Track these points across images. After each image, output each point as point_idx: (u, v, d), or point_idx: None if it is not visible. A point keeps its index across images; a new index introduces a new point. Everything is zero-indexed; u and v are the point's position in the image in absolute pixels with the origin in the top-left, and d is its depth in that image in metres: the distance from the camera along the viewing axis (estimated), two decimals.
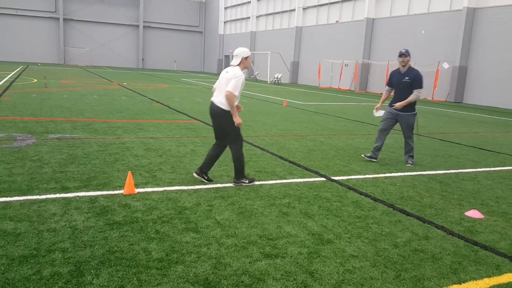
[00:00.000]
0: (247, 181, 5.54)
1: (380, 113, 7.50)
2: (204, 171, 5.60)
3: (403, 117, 7.21)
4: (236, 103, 5.29)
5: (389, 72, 7.66)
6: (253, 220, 4.31)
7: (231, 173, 5.99)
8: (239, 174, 5.53)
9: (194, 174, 5.65)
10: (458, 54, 24.77)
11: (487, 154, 8.84)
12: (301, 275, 3.22)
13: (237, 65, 5.36)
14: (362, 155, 7.55)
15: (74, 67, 46.15)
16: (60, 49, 55.87)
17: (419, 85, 7.02)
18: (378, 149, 7.43)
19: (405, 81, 7.06)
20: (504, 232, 4.37)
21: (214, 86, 5.58)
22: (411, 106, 7.19)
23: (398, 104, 7.10)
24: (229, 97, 5.19)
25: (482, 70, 24.18)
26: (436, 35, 26.69)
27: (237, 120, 5.31)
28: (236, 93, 5.22)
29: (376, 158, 7.45)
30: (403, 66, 7.11)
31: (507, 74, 22.77)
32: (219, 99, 5.35)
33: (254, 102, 17.51)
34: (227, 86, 5.22)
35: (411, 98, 7.03)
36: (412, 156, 7.37)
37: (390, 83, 7.41)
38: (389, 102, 7.53)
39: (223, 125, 5.41)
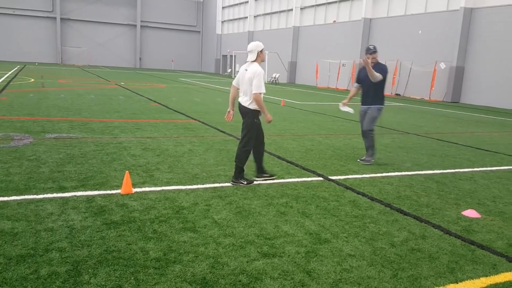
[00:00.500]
0: (246, 182, 5.54)
1: (346, 108, 7.35)
2: (261, 171, 5.76)
3: (371, 109, 7.16)
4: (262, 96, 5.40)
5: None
6: (250, 219, 4.32)
7: (228, 173, 5.99)
8: (239, 174, 5.54)
9: (256, 180, 5.70)
10: (455, 54, 24.82)
11: (484, 154, 8.87)
12: (298, 274, 3.23)
13: (254, 60, 5.41)
14: (358, 160, 7.39)
15: (72, 67, 46.04)
16: (57, 48, 55.71)
17: (382, 72, 6.91)
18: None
19: None
20: (500, 232, 4.39)
21: (234, 83, 5.65)
22: (380, 100, 7.15)
23: (365, 60, 6.83)
24: (257, 99, 5.31)
25: (479, 70, 24.24)
26: (433, 35, 26.74)
27: (268, 117, 5.41)
28: (262, 91, 5.31)
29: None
30: (372, 62, 7.01)
31: (504, 74, 22.84)
32: (245, 99, 5.46)
33: None
34: (251, 87, 5.30)
35: (374, 72, 6.81)
36: (371, 153, 7.19)
37: (358, 80, 7.35)
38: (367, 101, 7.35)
39: (246, 122, 5.50)
